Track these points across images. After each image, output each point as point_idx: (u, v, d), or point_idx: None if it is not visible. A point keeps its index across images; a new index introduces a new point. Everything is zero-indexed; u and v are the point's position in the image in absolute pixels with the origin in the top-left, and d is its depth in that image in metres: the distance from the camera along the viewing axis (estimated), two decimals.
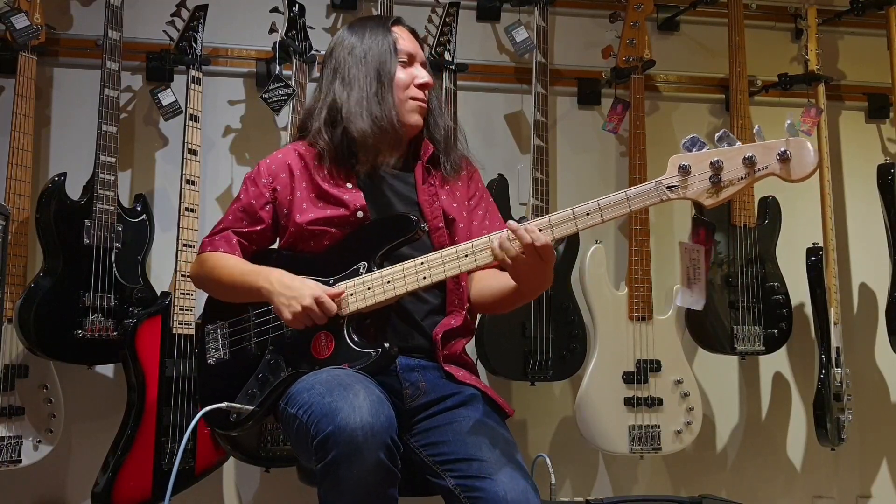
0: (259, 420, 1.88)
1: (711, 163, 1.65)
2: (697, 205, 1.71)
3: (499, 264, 1.79)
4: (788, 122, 1.65)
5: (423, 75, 2.01)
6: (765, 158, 1.63)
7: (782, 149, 1.62)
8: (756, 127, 1.67)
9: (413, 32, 2.08)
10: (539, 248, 1.70)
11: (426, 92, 2.02)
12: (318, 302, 1.79)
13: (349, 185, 1.97)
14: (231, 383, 1.91)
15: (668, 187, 1.69)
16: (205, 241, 2.04)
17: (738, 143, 1.66)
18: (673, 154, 3.30)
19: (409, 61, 2.02)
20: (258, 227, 2.01)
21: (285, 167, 2.01)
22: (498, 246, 1.74)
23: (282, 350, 1.87)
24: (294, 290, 1.82)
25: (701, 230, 2.00)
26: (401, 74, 2.00)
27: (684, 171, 1.67)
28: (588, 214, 1.72)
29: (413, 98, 2.00)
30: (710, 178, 1.65)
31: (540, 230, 1.72)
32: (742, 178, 1.64)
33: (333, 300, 1.81)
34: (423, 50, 2.08)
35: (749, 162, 1.63)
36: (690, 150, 1.68)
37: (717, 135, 1.67)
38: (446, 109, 2.14)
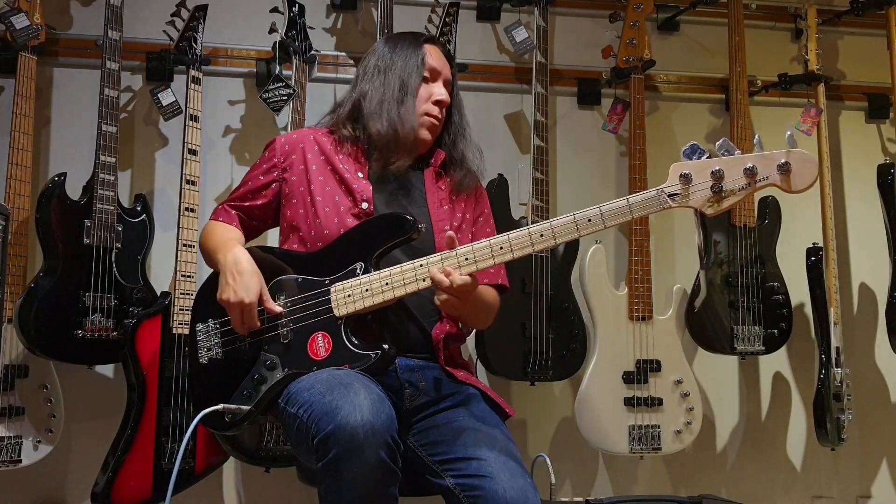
0: (254, 421, 1.88)
1: (713, 172, 1.68)
2: (699, 213, 1.73)
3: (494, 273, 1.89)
4: (788, 133, 1.67)
5: (439, 92, 2.06)
6: (765, 169, 1.66)
7: (783, 160, 1.65)
8: (756, 137, 1.70)
9: (445, 54, 2.14)
10: (456, 289, 1.77)
11: (443, 110, 2.07)
12: (244, 308, 1.85)
13: (360, 175, 2.00)
14: (225, 383, 1.91)
15: (669, 195, 1.71)
16: (215, 209, 2.15)
17: (738, 152, 1.68)
18: (672, 154, 3.30)
19: (433, 77, 2.07)
20: (259, 202, 2.08)
21: (298, 149, 2.06)
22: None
23: (278, 350, 1.87)
24: (238, 281, 1.88)
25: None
26: (421, 90, 2.05)
27: (686, 179, 1.69)
28: (590, 221, 1.75)
29: (427, 114, 2.04)
30: (712, 187, 1.68)
31: (541, 235, 1.76)
32: (743, 188, 1.67)
33: (266, 313, 1.88)
34: (451, 71, 2.13)
35: (750, 172, 1.66)
36: (691, 158, 1.70)
37: (717, 143, 1.70)
38: (468, 129, 2.18)
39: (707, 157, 1.70)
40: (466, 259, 1.80)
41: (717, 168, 1.67)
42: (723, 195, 1.68)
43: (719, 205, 1.69)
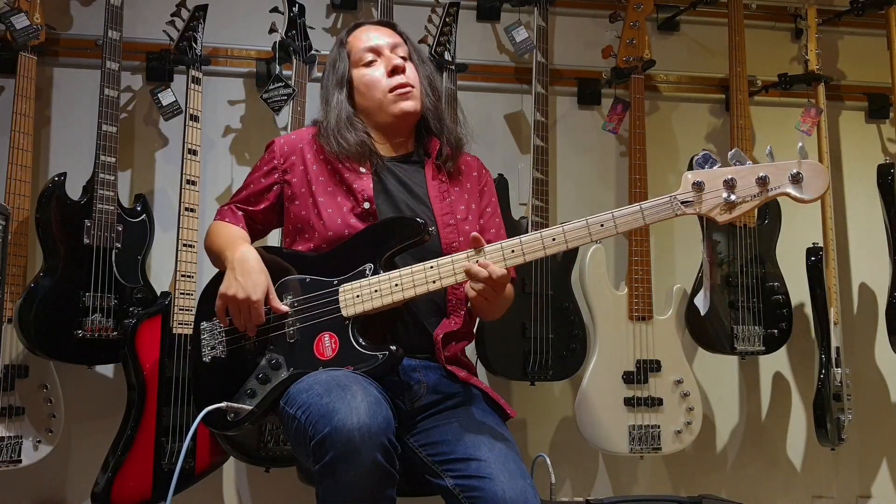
0: (257, 420, 1.87)
1: (725, 181, 1.71)
2: (710, 220, 1.75)
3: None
4: (800, 144, 1.71)
5: (390, 62, 2.02)
6: (777, 179, 1.69)
7: (795, 170, 1.68)
8: (768, 148, 1.73)
9: (383, 24, 2.10)
10: (495, 281, 1.76)
11: (407, 73, 2.02)
12: (251, 305, 1.85)
13: (363, 170, 1.99)
14: (229, 382, 1.90)
15: (682, 202, 1.74)
16: (219, 209, 2.13)
17: (750, 163, 1.71)
18: (672, 154, 3.33)
19: (377, 54, 2.04)
20: (262, 206, 2.07)
21: (297, 150, 2.05)
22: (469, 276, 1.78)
23: (283, 349, 1.87)
24: (246, 279, 1.87)
25: (708, 239, 2.13)
26: (373, 73, 2.02)
27: (698, 187, 1.72)
28: (602, 226, 1.77)
29: (392, 89, 2.01)
30: (724, 195, 1.71)
31: (553, 239, 1.77)
32: (755, 196, 1.70)
33: (272, 313, 1.88)
34: (400, 35, 2.09)
35: (762, 181, 1.69)
36: (703, 167, 1.73)
37: (729, 154, 1.73)
38: (440, 92, 2.15)
39: (719, 167, 1.72)
40: (477, 262, 1.79)
41: (729, 177, 1.70)
42: (735, 203, 1.70)
43: (730, 213, 1.71)
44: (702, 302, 2.67)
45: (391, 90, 2.00)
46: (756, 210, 2.98)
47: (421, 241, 1.87)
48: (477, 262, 1.77)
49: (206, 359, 1.96)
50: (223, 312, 1.91)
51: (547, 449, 3.04)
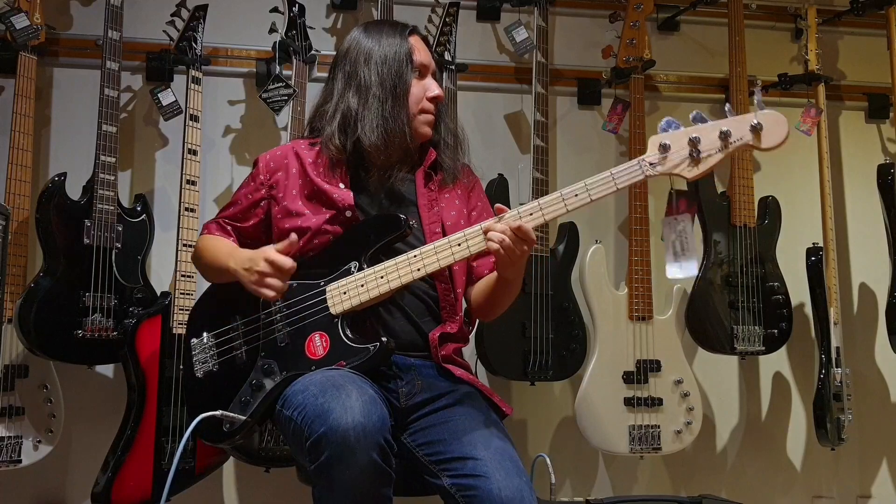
0: (251, 430, 1.87)
1: (690, 139, 1.79)
2: (681, 179, 1.82)
3: (491, 257, 1.88)
4: (758, 99, 1.80)
5: (434, 88, 2.02)
6: (738, 131, 1.78)
7: (755, 121, 1.77)
8: (726, 105, 1.84)
9: (426, 42, 2.09)
10: (515, 231, 1.79)
11: (436, 105, 2.04)
12: (270, 262, 1.82)
13: (342, 186, 1.98)
14: (223, 394, 1.90)
15: (650, 164, 1.81)
16: (205, 224, 2.12)
17: (710, 121, 1.81)
18: None
19: (422, 73, 2.03)
20: (251, 223, 2.06)
21: (283, 165, 2.04)
22: (486, 231, 1.81)
23: (275, 354, 1.87)
24: (252, 262, 1.85)
25: (681, 201, 2.08)
26: (414, 88, 2.01)
27: (664, 148, 1.80)
28: (576, 196, 1.83)
29: (424, 111, 2.01)
30: (689, 152, 1.79)
31: (531, 214, 1.83)
32: (719, 149, 1.79)
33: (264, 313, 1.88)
34: (434, 59, 2.09)
35: (724, 135, 1.78)
36: (668, 131, 1.81)
37: (690, 115, 1.81)
38: (451, 113, 2.15)
39: (684, 128, 1.80)
40: (459, 245, 1.82)
41: (693, 135, 1.78)
42: (700, 158, 1.78)
43: (697, 168, 1.79)
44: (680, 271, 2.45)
45: (422, 111, 2.01)
46: (756, 210, 2.99)
47: (402, 235, 1.88)
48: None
49: (199, 374, 1.96)
50: (267, 294, 1.86)
51: (547, 449, 3.04)
